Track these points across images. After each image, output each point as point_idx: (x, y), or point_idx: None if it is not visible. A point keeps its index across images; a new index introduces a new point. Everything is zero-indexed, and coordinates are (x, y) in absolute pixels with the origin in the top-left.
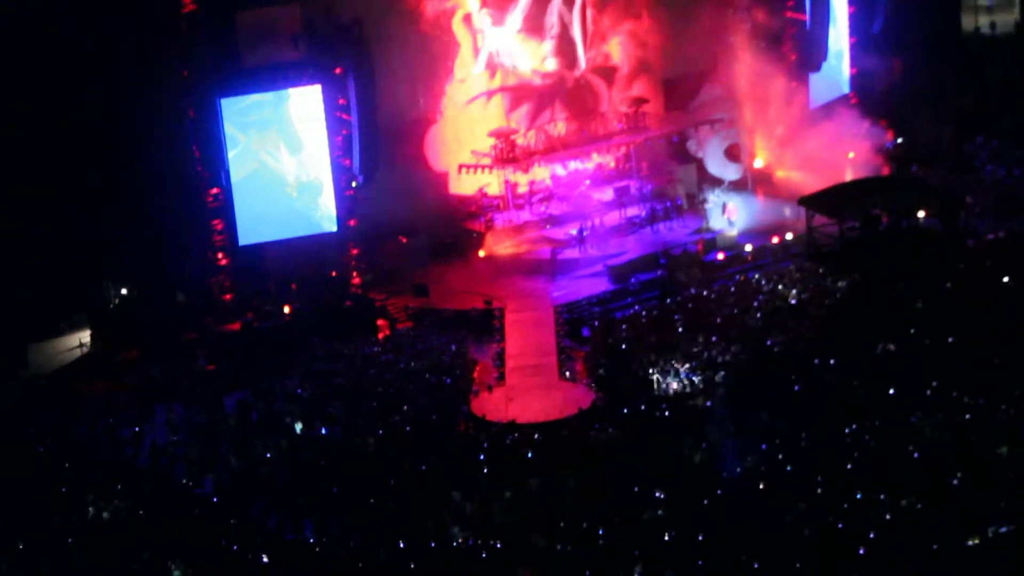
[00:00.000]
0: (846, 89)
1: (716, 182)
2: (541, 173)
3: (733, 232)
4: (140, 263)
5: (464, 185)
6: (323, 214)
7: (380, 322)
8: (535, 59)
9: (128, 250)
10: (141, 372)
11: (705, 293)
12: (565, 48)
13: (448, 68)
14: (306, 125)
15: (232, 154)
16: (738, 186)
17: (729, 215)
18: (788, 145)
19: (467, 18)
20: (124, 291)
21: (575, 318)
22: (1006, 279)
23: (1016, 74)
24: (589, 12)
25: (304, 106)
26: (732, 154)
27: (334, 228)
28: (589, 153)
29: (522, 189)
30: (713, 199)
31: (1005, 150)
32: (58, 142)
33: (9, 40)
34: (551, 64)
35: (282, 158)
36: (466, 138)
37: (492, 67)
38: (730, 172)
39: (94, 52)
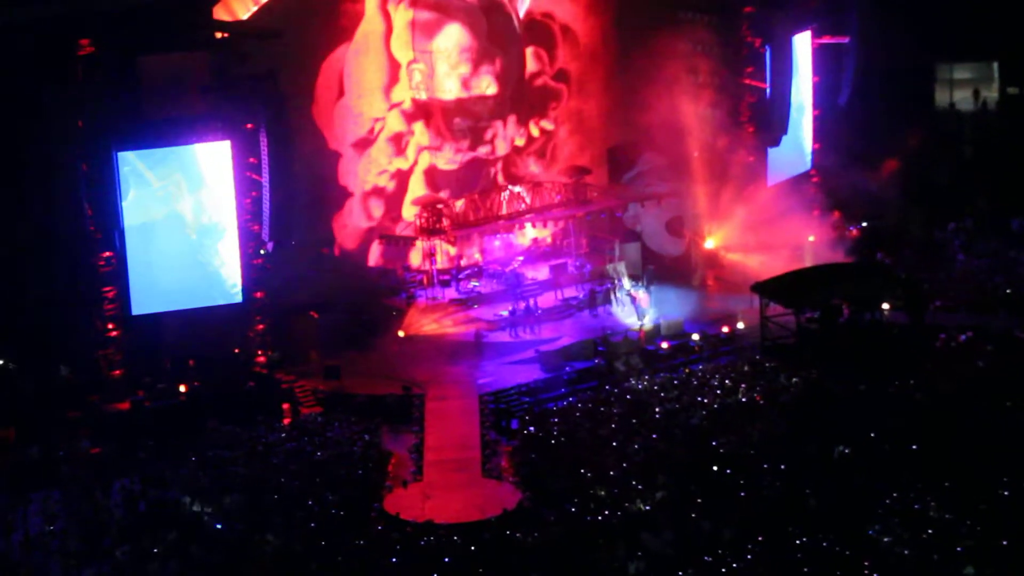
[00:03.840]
0: (807, 165)
1: (658, 259)
2: (470, 247)
3: (679, 320)
4: (20, 331)
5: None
6: (227, 284)
7: (286, 406)
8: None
9: (6, 317)
10: (17, 453)
11: (646, 384)
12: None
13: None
14: (212, 185)
15: (128, 212)
16: (680, 264)
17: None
18: (742, 224)
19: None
20: (1, 362)
21: (502, 408)
22: (968, 378)
23: (993, 152)
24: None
25: (211, 163)
26: (674, 228)
27: (239, 299)
28: (523, 226)
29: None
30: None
31: (979, 237)
32: None
33: None
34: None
35: (183, 222)
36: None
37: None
38: (672, 248)
39: None
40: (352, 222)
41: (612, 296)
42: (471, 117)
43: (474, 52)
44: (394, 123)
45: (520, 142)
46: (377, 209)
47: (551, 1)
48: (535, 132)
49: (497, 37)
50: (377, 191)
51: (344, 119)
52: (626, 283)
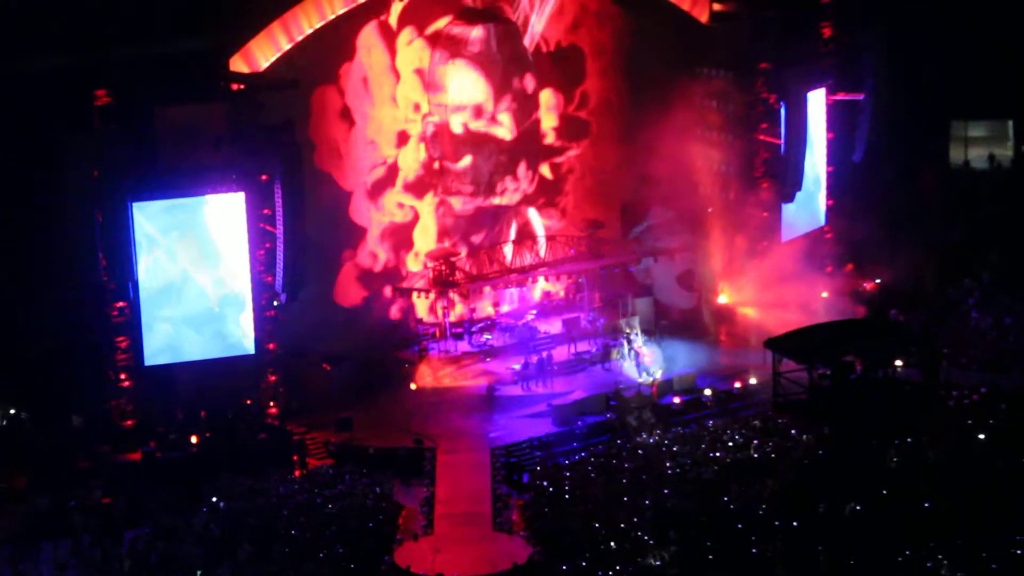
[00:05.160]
0: (822, 221)
1: (669, 313)
2: (483, 300)
3: (691, 375)
4: (32, 380)
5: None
6: (240, 335)
7: (297, 458)
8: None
9: (19, 366)
10: (28, 502)
11: (658, 439)
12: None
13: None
14: (226, 236)
15: (142, 265)
16: (692, 319)
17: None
18: (755, 280)
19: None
20: (12, 411)
21: (514, 462)
22: (981, 436)
23: (1008, 210)
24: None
25: (225, 215)
26: (685, 282)
27: (251, 351)
28: (536, 280)
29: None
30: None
31: (993, 295)
32: None
33: None
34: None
35: (197, 272)
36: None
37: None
38: (683, 301)
39: None
40: (361, 264)
41: (620, 352)
42: (483, 166)
43: (488, 102)
44: (405, 170)
45: (530, 189)
46: (387, 255)
47: (564, 38)
48: (546, 173)
49: (510, 81)
50: (387, 235)
51: (355, 161)
52: (634, 339)
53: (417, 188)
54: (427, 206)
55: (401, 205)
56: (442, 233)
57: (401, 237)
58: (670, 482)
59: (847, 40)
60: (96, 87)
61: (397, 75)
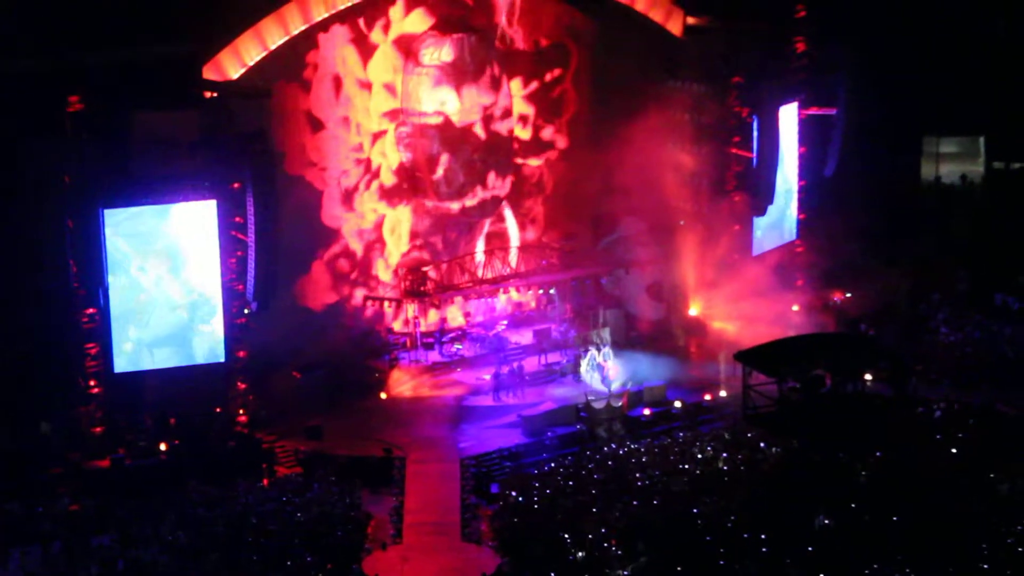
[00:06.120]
0: (793, 235)
1: (639, 325)
2: (454, 311)
3: (661, 387)
4: (0, 387)
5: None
6: (210, 343)
7: (266, 466)
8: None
9: None
10: None
11: (627, 451)
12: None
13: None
14: (196, 243)
15: (112, 272)
16: (662, 330)
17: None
18: (726, 293)
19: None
20: None
21: (483, 472)
22: (953, 450)
23: (977, 226)
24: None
25: (196, 222)
26: (654, 293)
27: (221, 358)
28: (507, 290)
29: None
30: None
31: (962, 311)
32: None
33: None
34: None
35: (168, 279)
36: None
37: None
38: (652, 313)
39: None
40: (332, 270)
41: (587, 363)
42: (456, 173)
43: (461, 111)
44: (378, 175)
45: (502, 195)
46: (359, 261)
47: (538, 49)
48: (517, 182)
49: (483, 92)
50: (359, 240)
51: (327, 165)
52: (596, 352)
53: (390, 193)
54: (400, 211)
55: (375, 210)
56: (415, 237)
57: (374, 242)
58: (639, 494)
59: (820, 55)
60: (69, 92)
61: (368, 83)
